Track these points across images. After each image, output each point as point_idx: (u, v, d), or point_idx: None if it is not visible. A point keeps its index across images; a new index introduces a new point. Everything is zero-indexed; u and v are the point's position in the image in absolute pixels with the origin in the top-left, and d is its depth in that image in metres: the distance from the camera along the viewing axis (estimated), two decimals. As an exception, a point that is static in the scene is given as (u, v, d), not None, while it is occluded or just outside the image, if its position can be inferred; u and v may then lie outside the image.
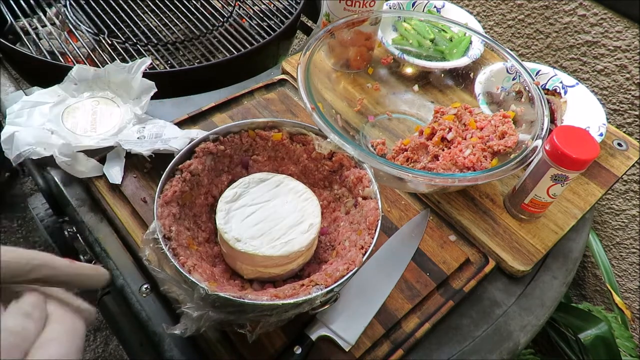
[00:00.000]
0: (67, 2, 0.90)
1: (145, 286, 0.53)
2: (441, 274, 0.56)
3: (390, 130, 0.72)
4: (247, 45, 0.86)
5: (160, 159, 0.61)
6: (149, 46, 0.86)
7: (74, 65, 0.67)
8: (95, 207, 0.60)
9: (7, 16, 0.84)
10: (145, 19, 0.95)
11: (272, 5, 0.96)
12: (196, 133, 0.62)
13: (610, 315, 0.94)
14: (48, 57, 0.76)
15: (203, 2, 0.97)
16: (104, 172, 0.60)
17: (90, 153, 0.60)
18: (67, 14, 0.88)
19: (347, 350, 0.49)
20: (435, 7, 0.87)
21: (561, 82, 0.76)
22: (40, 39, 0.81)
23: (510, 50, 0.96)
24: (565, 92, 0.75)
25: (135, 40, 0.86)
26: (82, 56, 0.79)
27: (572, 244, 0.65)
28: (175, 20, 0.91)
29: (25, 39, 0.80)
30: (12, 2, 0.86)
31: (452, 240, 0.60)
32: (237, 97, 0.73)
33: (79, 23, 0.87)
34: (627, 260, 0.99)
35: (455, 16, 0.85)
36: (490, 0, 1.02)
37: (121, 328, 0.68)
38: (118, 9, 0.90)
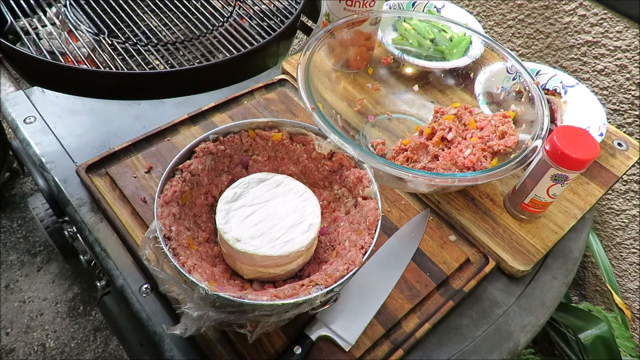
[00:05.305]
0: (67, 2, 0.90)
1: (145, 286, 0.53)
2: (441, 274, 0.56)
3: (390, 130, 0.72)
4: (247, 45, 0.86)
5: (161, 159, 0.61)
6: (149, 46, 0.86)
7: (74, 65, 0.66)
8: (95, 207, 0.60)
9: (7, 16, 0.84)
10: (145, 19, 0.94)
11: (272, 5, 0.96)
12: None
13: (610, 315, 0.94)
14: (48, 57, 0.76)
15: (203, 2, 0.96)
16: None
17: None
18: (67, 14, 0.88)
19: (347, 350, 0.49)
20: (435, 7, 0.87)
21: (561, 82, 0.76)
22: (40, 39, 0.81)
23: (511, 50, 0.96)
24: (565, 92, 0.75)
25: (135, 40, 0.86)
26: (82, 56, 0.79)
27: (572, 244, 0.65)
28: (175, 20, 0.91)
29: (25, 39, 0.80)
30: (12, 2, 0.86)
31: (452, 240, 0.60)
32: (237, 97, 0.73)
33: (79, 23, 0.86)
34: (627, 260, 0.99)
35: (455, 16, 0.85)
36: (490, 0, 1.02)
37: (121, 328, 0.68)
38: (118, 9, 0.90)
